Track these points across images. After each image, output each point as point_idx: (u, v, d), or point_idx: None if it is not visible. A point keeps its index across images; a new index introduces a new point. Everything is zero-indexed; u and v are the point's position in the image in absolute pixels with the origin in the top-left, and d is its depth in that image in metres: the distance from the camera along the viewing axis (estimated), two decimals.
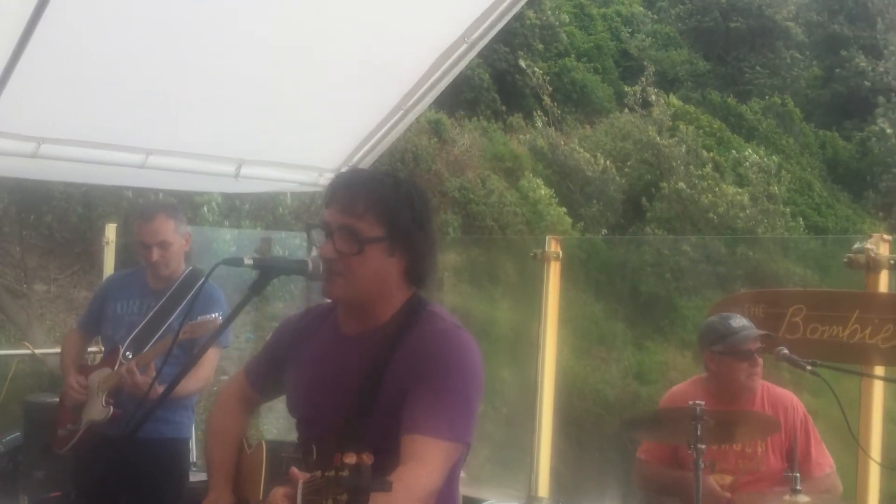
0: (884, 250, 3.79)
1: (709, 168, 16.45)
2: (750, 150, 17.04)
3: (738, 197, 15.39)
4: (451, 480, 1.96)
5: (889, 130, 18.04)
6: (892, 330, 3.70)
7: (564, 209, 15.20)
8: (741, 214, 15.27)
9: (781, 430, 3.41)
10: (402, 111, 4.42)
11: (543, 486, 4.91)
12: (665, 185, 16.16)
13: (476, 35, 3.89)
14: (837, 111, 20.71)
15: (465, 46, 3.94)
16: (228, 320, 2.27)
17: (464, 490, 3.79)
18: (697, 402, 2.92)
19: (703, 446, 2.90)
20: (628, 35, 22.74)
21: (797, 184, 17.87)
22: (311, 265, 1.91)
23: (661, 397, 3.86)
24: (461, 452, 1.91)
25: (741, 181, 16.50)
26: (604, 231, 16.70)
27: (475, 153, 16.87)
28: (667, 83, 21.14)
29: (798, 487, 2.94)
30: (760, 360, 3.45)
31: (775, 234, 15.26)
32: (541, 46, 20.23)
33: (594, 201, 16.68)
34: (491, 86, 18.83)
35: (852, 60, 20.45)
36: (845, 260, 3.86)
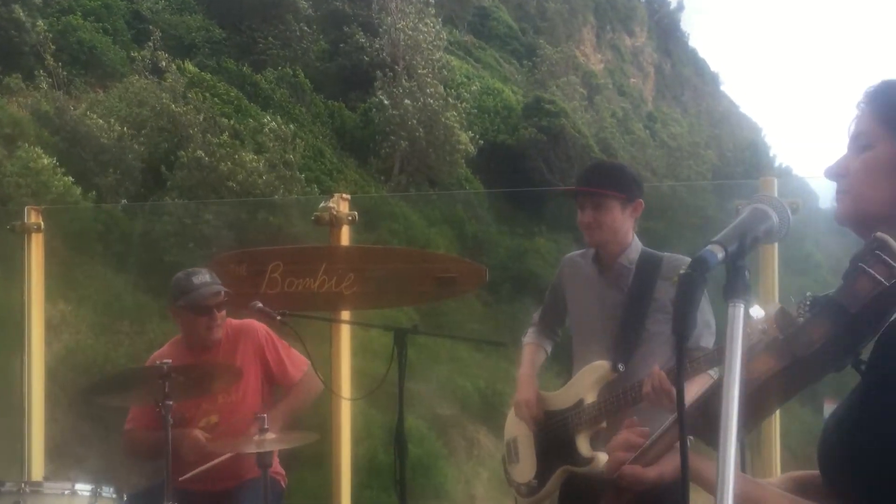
0: (344, 208, 4.26)
1: (226, 136, 16.64)
2: (268, 119, 17.58)
3: (256, 164, 15.85)
4: None
5: (387, 102, 20.05)
6: (353, 278, 4.19)
7: (72, 179, 14.16)
8: (259, 181, 15.76)
9: (253, 371, 3.69)
10: None
11: (38, 469, 4.65)
12: (184, 153, 15.98)
13: None
14: (343, 83, 22.39)
15: None
16: None
17: None
18: (165, 360, 3.02)
19: (171, 402, 3.01)
20: None
21: (311, 151, 18.96)
22: None
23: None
24: None
25: (260, 149, 16.97)
26: (123, 201, 15.98)
27: None
28: (183, 49, 20.78)
29: (266, 427, 3.23)
30: (221, 313, 3.67)
31: (292, 198, 16.06)
32: (39, 0, 18.49)
33: (111, 170, 15.84)
34: None
35: (353, 37, 22.24)
36: (313, 218, 4.26)
